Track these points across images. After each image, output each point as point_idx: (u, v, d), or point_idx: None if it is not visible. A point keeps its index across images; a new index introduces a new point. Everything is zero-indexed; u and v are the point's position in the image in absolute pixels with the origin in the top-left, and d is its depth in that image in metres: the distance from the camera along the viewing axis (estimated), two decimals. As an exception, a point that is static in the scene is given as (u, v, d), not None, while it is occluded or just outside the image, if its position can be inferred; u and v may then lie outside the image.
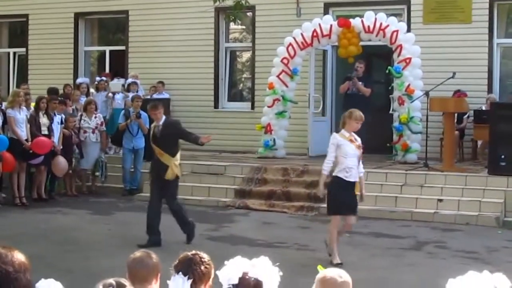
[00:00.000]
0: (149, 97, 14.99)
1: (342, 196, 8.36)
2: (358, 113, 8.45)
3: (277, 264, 3.56)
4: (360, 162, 8.55)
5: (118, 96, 15.05)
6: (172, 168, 9.35)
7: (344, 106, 14.34)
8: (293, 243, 9.77)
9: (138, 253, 3.94)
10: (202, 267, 3.74)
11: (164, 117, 9.63)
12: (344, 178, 8.30)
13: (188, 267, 3.72)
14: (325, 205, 11.91)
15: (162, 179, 9.43)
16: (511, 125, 11.26)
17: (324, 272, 3.58)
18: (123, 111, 13.94)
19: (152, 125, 9.80)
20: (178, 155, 9.57)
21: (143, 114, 13.04)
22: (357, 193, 8.53)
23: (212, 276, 3.84)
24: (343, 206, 8.39)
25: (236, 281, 3.47)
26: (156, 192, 9.59)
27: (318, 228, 10.81)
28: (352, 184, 8.36)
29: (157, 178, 9.61)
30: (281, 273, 3.55)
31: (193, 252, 3.84)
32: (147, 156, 12.64)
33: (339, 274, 3.55)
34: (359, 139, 8.58)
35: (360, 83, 13.74)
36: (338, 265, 7.87)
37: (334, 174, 8.56)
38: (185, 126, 15.58)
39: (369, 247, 9.66)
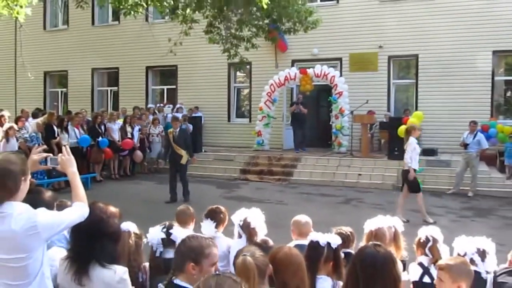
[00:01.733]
0: (189, 115, 14.93)
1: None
2: (419, 126, 7.69)
3: (263, 212, 3.53)
4: None
5: (169, 116, 14.97)
6: (183, 157, 9.29)
7: (292, 120, 14.30)
8: (274, 200, 9.74)
9: (181, 206, 3.91)
10: (221, 215, 3.71)
11: (179, 127, 9.44)
12: (417, 168, 7.73)
13: (213, 215, 3.69)
14: (293, 178, 11.99)
15: (178, 163, 9.32)
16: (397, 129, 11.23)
17: (295, 217, 3.57)
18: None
19: (171, 130, 9.47)
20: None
21: (189, 125, 12.96)
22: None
23: (227, 220, 3.80)
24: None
25: (242, 223, 3.46)
26: (173, 171, 9.44)
27: (289, 191, 10.78)
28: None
29: (174, 163, 9.39)
30: (263, 217, 3.52)
31: (215, 206, 3.82)
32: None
33: (304, 217, 3.53)
34: None
35: (301, 106, 13.67)
36: (433, 224, 6.96)
37: (410, 166, 7.59)
38: (211, 132, 15.81)
39: (318, 202, 9.65)
